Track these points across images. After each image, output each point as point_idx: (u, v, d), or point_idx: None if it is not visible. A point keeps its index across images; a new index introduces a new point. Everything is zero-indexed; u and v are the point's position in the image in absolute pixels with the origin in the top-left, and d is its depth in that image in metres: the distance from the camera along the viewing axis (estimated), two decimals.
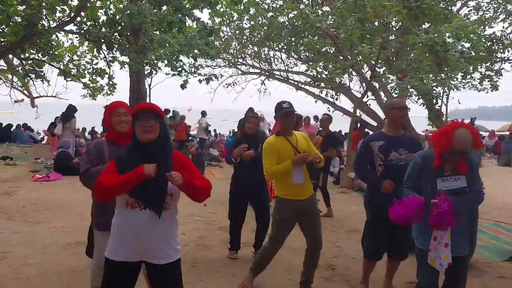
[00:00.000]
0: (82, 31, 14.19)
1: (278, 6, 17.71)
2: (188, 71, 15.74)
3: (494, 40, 17.74)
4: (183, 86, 15.94)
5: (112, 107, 3.46)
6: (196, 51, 14.84)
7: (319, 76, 18.14)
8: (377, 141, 4.12)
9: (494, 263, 5.51)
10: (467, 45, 12.34)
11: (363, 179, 4.51)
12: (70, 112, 13.68)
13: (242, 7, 18.21)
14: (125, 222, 2.72)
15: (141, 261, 2.76)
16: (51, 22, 14.04)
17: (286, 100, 4.22)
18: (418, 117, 18.30)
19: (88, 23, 14.23)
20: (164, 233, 2.74)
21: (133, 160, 2.67)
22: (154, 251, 2.71)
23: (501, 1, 18.25)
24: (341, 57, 12.96)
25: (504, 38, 18.75)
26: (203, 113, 18.36)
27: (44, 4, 12.25)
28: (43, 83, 16.84)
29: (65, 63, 17.13)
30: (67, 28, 14.45)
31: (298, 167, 4.01)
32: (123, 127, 3.37)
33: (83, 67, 17.25)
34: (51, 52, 15.52)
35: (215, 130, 23.23)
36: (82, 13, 14.09)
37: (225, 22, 19.79)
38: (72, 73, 16.97)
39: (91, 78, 17.16)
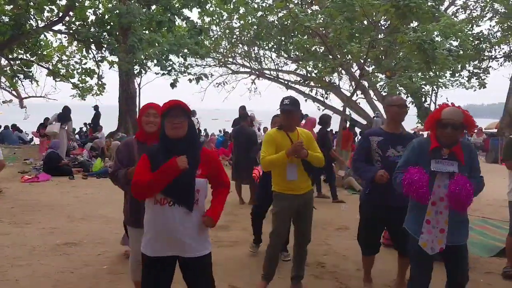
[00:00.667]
0: (71, 31, 14.14)
1: (267, 5, 17.75)
2: (178, 70, 15.73)
3: (482, 39, 17.95)
4: (173, 85, 15.93)
5: (144, 108, 3.58)
6: (185, 50, 14.83)
7: (308, 75, 18.22)
8: (376, 136, 4.13)
9: (481, 259, 5.57)
10: (455, 43, 12.48)
11: (358, 173, 4.46)
12: (67, 113, 13.64)
13: (231, 7, 18.23)
14: (156, 219, 2.78)
15: (176, 256, 2.82)
16: (39, 22, 13.98)
17: (291, 96, 4.20)
18: (407, 115, 18.40)
19: (77, 23, 14.18)
20: (195, 227, 2.81)
21: (163, 156, 2.74)
22: (186, 245, 2.77)
23: (488, 0, 18.45)
24: (331, 56, 13.02)
25: (491, 36, 18.98)
26: (193, 113, 18.32)
27: (32, 4, 12.17)
28: (31, 84, 16.76)
29: (54, 63, 17.04)
30: (56, 28, 14.39)
31: (292, 164, 4.01)
32: (151, 127, 3.48)
33: (72, 67, 17.17)
34: (39, 52, 15.44)
35: (205, 130, 23.21)
36: (71, 13, 14.04)
37: (215, 22, 19.79)
38: (61, 73, 16.88)
39: (80, 78, 17.09)
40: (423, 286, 3.36)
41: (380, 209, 4.05)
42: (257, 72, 21.44)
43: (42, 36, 14.52)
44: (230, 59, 21.56)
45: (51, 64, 16.84)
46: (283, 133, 4.12)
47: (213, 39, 20.06)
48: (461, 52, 12.53)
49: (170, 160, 2.68)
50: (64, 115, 13.56)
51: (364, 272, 4.46)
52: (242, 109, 10.99)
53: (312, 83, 19.09)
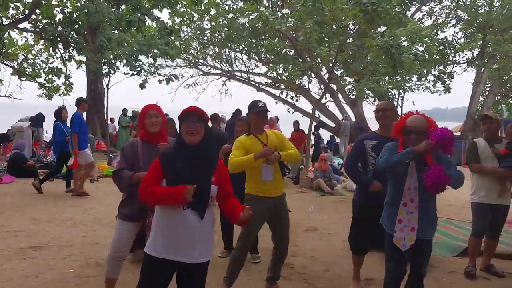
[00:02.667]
0: (37, 29, 13.78)
1: (238, 7, 17.78)
2: (148, 71, 15.55)
3: (446, 44, 18.48)
4: (142, 86, 15.73)
5: (144, 110, 3.69)
6: (155, 51, 14.69)
7: (279, 78, 18.35)
8: (370, 140, 4.24)
9: (445, 259, 5.74)
10: (421, 48, 12.80)
11: (352, 178, 4.51)
12: (40, 119, 13.43)
13: (202, 8, 18.18)
14: (168, 220, 2.77)
15: (177, 261, 2.79)
16: (3, 19, 13.55)
17: (260, 100, 4.26)
18: (374, 118, 18.76)
19: (44, 21, 13.82)
20: (205, 232, 2.81)
21: (177, 161, 2.75)
22: (194, 250, 2.77)
23: (452, 7, 19.00)
24: (300, 59, 13.15)
25: (455, 42, 19.56)
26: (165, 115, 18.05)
27: None
28: None
29: (19, 62, 16.53)
30: (21, 25, 14.00)
31: (267, 165, 4.01)
32: (154, 127, 3.61)
33: (38, 66, 16.69)
34: (3, 50, 14.95)
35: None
36: (37, 11, 13.67)
37: (186, 22, 19.69)
38: (27, 72, 16.41)
39: (47, 78, 16.64)
40: (399, 276, 3.57)
41: (371, 209, 4.11)
42: (228, 74, 21.46)
43: (7, 34, 14.07)
44: (201, 60, 21.50)
45: (16, 63, 16.34)
46: (253, 137, 4.13)
47: (183, 40, 19.96)
48: (427, 57, 12.87)
49: (179, 188, 2.66)
50: (37, 120, 13.31)
51: (354, 271, 4.56)
52: (238, 113, 11.03)
53: (282, 86, 19.25)
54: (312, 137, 14.74)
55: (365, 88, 12.94)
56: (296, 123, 12.30)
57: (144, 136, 3.66)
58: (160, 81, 16.86)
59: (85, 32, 13.90)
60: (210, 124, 5.93)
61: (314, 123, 14.50)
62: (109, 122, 17.41)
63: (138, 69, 14.97)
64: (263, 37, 16.28)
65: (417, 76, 15.17)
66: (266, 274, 4.42)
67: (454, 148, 3.49)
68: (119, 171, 3.54)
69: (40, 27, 13.57)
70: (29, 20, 13.63)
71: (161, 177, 2.76)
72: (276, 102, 19.89)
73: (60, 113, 9.56)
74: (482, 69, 18.88)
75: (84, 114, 9.99)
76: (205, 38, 19.86)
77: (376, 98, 15.44)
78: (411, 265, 3.61)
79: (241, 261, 4.22)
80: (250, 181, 4.19)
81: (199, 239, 2.77)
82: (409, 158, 3.38)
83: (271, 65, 17.26)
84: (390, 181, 3.68)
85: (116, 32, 13.96)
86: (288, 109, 19.61)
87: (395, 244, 3.50)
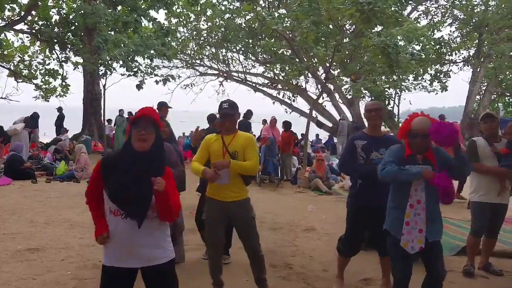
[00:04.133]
0: (34, 31, 13.76)
1: (235, 8, 17.77)
2: (144, 71, 15.53)
3: (442, 44, 18.50)
4: (139, 87, 15.70)
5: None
6: (152, 51, 14.67)
7: (276, 78, 18.36)
8: (360, 140, 4.22)
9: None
10: (417, 47, 12.83)
11: (349, 173, 4.51)
12: (35, 119, 13.36)
13: (199, 8, 18.17)
14: (112, 228, 2.72)
15: (136, 267, 2.76)
16: None
17: (231, 100, 4.19)
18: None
19: (40, 23, 13.80)
20: (151, 237, 2.74)
21: (119, 167, 2.66)
22: (143, 256, 2.72)
23: (448, 7, 19.04)
24: (297, 59, 13.15)
25: (451, 41, 19.60)
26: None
27: None
28: None
29: (15, 63, 16.50)
30: (17, 27, 13.97)
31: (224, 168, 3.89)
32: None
33: (34, 67, 16.67)
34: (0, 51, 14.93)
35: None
36: (34, 12, 13.65)
37: (182, 23, 19.67)
38: (23, 74, 16.37)
39: (43, 79, 16.62)
40: (407, 277, 3.58)
41: (366, 210, 4.13)
42: (225, 74, 21.44)
43: (3, 35, 14.04)
44: (198, 61, 21.47)
45: (12, 64, 16.32)
46: (218, 136, 4.05)
47: (180, 40, 19.92)
48: (423, 56, 12.91)
49: (98, 226, 2.72)
50: (32, 120, 13.26)
51: (338, 269, 4.54)
52: (249, 113, 11.05)
53: (279, 86, 19.25)
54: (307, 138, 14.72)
55: (362, 88, 12.95)
56: (285, 123, 12.23)
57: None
58: (157, 82, 16.82)
59: (82, 33, 13.89)
60: (208, 125, 5.88)
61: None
62: (106, 123, 17.37)
63: (135, 70, 14.96)
64: (260, 37, 16.28)
65: (414, 76, 15.20)
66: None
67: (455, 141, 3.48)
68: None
69: (36, 28, 13.56)
70: (25, 21, 13.63)
71: (102, 181, 2.69)
72: (273, 102, 19.90)
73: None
74: (478, 68, 18.93)
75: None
76: (202, 38, 19.83)
77: (373, 98, 15.43)
78: (428, 268, 3.58)
79: (215, 265, 4.15)
80: (209, 183, 4.08)
81: (146, 244, 2.71)
82: (416, 179, 3.41)
83: (268, 65, 17.28)
84: (395, 185, 3.67)
85: (112, 33, 13.95)
86: (285, 109, 19.62)
87: (401, 247, 3.49)
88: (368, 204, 4.11)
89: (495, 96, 20.21)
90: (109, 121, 17.69)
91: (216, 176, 3.82)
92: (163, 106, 9.38)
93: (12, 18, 13.89)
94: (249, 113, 11.19)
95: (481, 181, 4.94)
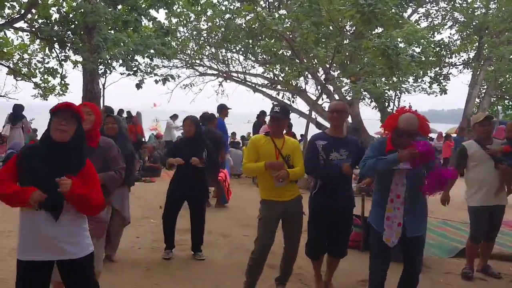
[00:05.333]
0: (33, 29, 13.72)
1: (235, 8, 17.75)
2: (144, 71, 15.49)
3: (442, 46, 18.51)
4: (138, 86, 15.66)
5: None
6: (152, 51, 14.63)
7: (275, 79, 18.33)
8: (321, 141, 4.22)
9: (441, 260, 5.74)
10: (418, 50, 12.82)
11: (316, 174, 4.40)
12: (18, 112, 13.15)
13: (199, 8, 18.14)
14: (25, 221, 2.70)
15: (51, 260, 2.73)
16: None
17: (283, 105, 4.30)
18: (370, 119, 18.80)
19: (40, 21, 13.76)
20: (66, 231, 2.71)
21: (35, 158, 2.63)
22: (59, 249, 2.69)
23: (448, 9, 19.04)
24: (297, 60, 13.14)
25: (451, 44, 19.60)
26: (175, 116, 17.80)
27: None
28: None
29: (14, 61, 16.46)
30: (17, 25, 13.92)
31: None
32: (84, 125, 3.40)
33: (34, 66, 16.63)
34: None
35: None
36: (33, 10, 13.61)
37: (182, 23, 19.64)
38: (22, 72, 16.33)
39: (42, 78, 16.57)
40: (383, 275, 3.63)
41: (327, 209, 4.16)
42: (224, 75, 21.40)
43: (2, 33, 13.98)
44: (198, 61, 21.44)
45: (11, 62, 16.26)
46: (268, 138, 4.13)
47: (180, 40, 19.90)
48: (423, 59, 12.90)
49: (26, 190, 2.56)
50: (15, 115, 13.09)
51: (315, 275, 4.55)
52: (262, 114, 11.06)
53: (279, 87, 19.22)
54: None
55: (361, 89, 12.94)
56: (308, 124, 12.42)
57: None
58: (156, 81, 16.77)
59: (81, 32, 13.83)
60: (202, 125, 5.88)
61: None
62: None
63: (135, 69, 14.90)
64: (260, 37, 16.25)
65: (414, 78, 15.19)
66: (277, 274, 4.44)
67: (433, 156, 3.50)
68: None
69: (36, 26, 13.52)
70: (25, 19, 13.58)
71: (16, 173, 2.65)
72: (273, 103, 19.85)
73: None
74: (478, 71, 18.92)
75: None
76: (202, 38, 19.81)
77: (372, 99, 15.42)
78: (405, 261, 3.64)
79: (257, 266, 4.17)
80: (262, 186, 4.20)
81: (62, 237, 2.69)
82: (394, 165, 3.40)
83: (267, 66, 17.25)
84: (377, 179, 3.69)
85: (112, 32, 13.89)
86: None
87: (382, 242, 3.52)
88: (328, 204, 4.14)
89: (494, 99, 20.21)
90: None
91: (282, 164, 3.95)
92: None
93: (12, 16, 13.83)
94: (262, 114, 11.19)
95: (477, 185, 4.90)
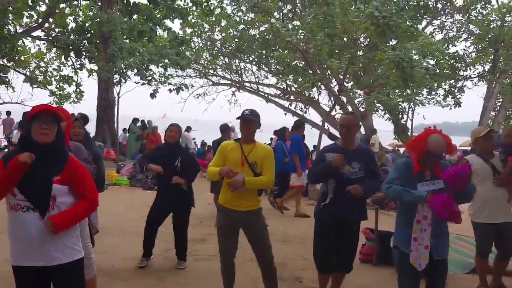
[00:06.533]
0: (50, 38, 13.95)
1: (249, 19, 17.88)
2: (158, 80, 15.64)
3: (457, 58, 18.40)
4: (152, 96, 15.80)
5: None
6: (166, 60, 14.79)
7: (288, 89, 18.37)
8: (331, 153, 4.11)
9: (456, 276, 5.65)
10: (432, 62, 12.76)
11: (312, 175, 4.35)
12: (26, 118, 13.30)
13: (213, 19, 18.30)
14: (13, 226, 2.71)
15: (44, 267, 2.72)
16: (17, 27, 13.75)
17: (253, 109, 4.11)
18: (384, 130, 18.70)
19: (57, 30, 14.01)
20: (54, 235, 2.70)
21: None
22: (47, 254, 2.69)
23: (463, 22, 18.94)
24: (311, 71, 13.15)
25: (466, 56, 19.47)
26: (188, 129, 17.80)
27: (10, 8, 11.99)
28: (7, 89, 16.40)
29: (31, 69, 16.75)
30: (35, 34, 14.19)
31: (240, 176, 3.83)
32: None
33: (50, 74, 16.91)
34: (16, 57, 15.15)
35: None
36: (51, 19, 13.87)
37: (197, 33, 19.82)
38: (38, 79, 16.60)
39: (58, 85, 16.82)
40: None
41: (335, 222, 4.06)
42: (237, 85, 21.51)
43: (20, 42, 14.26)
44: (211, 71, 21.59)
45: (28, 70, 16.57)
46: (237, 144, 4.02)
47: (194, 50, 20.07)
48: (438, 71, 12.83)
49: (14, 159, 2.61)
50: (25, 121, 13.24)
51: (319, 286, 4.46)
52: (300, 122, 11.10)
53: (292, 97, 19.26)
54: None
55: (375, 101, 12.90)
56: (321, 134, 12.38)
57: None
58: (170, 91, 16.92)
59: (97, 41, 14.05)
60: (220, 135, 5.88)
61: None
62: (121, 132, 17.42)
63: (149, 78, 15.05)
64: (273, 48, 16.34)
65: (428, 90, 15.11)
66: None
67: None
68: None
69: (53, 35, 13.77)
70: (42, 28, 13.82)
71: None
72: (285, 114, 19.89)
73: (284, 132, 9.58)
74: (494, 84, 18.76)
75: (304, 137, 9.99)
76: (216, 48, 19.97)
77: (386, 111, 15.35)
78: (428, 284, 3.54)
79: (228, 275, 4.11)
80: (222, 189, 4.08)
81: (50, 241, 2.69)
82: (419, 202, 3.35)
83: (280, 76, 17.30)
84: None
85: (127, 41, 14.08)
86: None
87: (409, 263, 3.44)
88: (338, 217, 4.04)
89: (510, 112, 19.98)
90: (125, 130, 17.76)
91: (233, 173, 3.78)
92: (301, 126, 9.38)
93: (30, 25, 14.12)
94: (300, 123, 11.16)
95: (484, 201, 4.76)
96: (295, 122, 9.70)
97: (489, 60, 19.68)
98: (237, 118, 4.05)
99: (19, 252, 2.71)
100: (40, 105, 2.79)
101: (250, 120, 3.97)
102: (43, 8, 13.39)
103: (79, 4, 15.24)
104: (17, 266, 2.72)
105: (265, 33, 15.57)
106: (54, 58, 17.17)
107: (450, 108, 17.17)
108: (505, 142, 4.93)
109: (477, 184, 4.77)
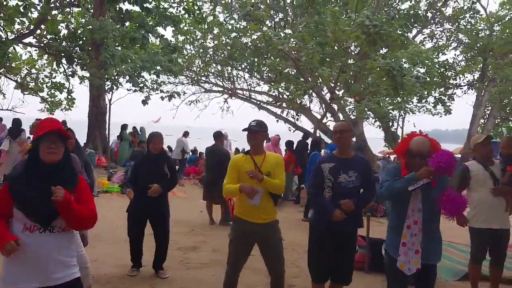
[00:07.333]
0: (42, 44, 13.92)
1: (241, 27, 17.96)
2: (150, 87, 15.63)
3: (447, 67, 18.62)
4: (144, 102, 15.77)
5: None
6: (158, 67, 14.80)
7: (280, 97, 18.45)
8: (327, 163, 4.13)
9: (447, 283, 5.69)
10: (422, 70, 12.89)
11: (315, 202, 4.35)
12: (18, 126, 13.24)
13: (206, 27, 18.36)
14: (29, 245, 2.64)
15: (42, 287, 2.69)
16: (9, 33, 13.71)
17: (259, 120, 4.13)
18: (374, 138, 18.81)
19: (48, 36, 13.99)
20: (62, 253, 2.72)
21: (30, 181, 2.66)
22: (52, 272, 2.67)
23: (453, 30, 19.18)
24: (302, 79, 13.23)
25: (456, 65, 19.70)
26: (185, 134, 17.68)
27: (1, 15, 11.96)
28: None
29: (22, 76, 16.68)
30: (26, 40, 14.15)
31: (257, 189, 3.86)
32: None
33: (41, 80, 16.85)
34: (7, 64, 15.09)
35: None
36: (42, 26, 13.84)
37: (189, 40, 19.87)
38: (29, 86, 16.53)
39: (49, 92, 16.76)
40: None
41: (330, 232, 4.07)
42: (229, 92, 21.54)
43: (11, 48, 14.21)
44: (203, 78, 21.60)
45: (19, 77, 16.50)
46: (248, 157, 4.04)
47: (186, 57, 20.09)
48: (428, 79, 12.96)
49: (7, 238, 2.57)
50: (16, 129, 13.16)
51: None
52: (320, 139, 11.16)
53: (284, 105, 19.33)
54: None
55: (366, 109, 12.99)
56: (288, 143, 12.26)
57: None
58: (162, 98, 16.90)
59: (89, 48, 14.03)
60: (213, 142, 5.88)
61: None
62: (115, 139, 17.34)
63: (141, 85, 15.04)
64: (266, 56, 16.41)
65: (418, 98, 15.25)
66: None
67: (454, 171, 3.52)
68: None
69: (45, 42, 13.74)
70: (34, 35, 13.79)
71: (10, 201, 2.65)
72: (277, 121, 19.95)
73: (319, 144, 9.60)
74: (483, 92, 18.97)
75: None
76: (208, 56, 20.00)
77: (376, 119, 15.46)
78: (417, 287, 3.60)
79: (230, 285, 4.09)
80: (237, 202, 4.11)
81: (57, 260, 2.69)
82: (411, 184, 3.39)
83: (273, 84, 17.37)
84: (393, 204, 3.67)
85: (119, 48, 14.07)
86: (289, 127, 19.66)
87: (397, 268, 3.48)
88: (333, 229, 4.05)
89: (499, 120, 20.21)
90: (119, 137, 17.66)
91: (256, 190, 3.81)
92: (320, 142, 9.43)
93: (22, 31, 14.08)
94: (318, 141, 11.30)
95: (481, 207, 4.83)
96: (315, 141, 9.81)
97: (478, 69, 19.90)
98: (243, 130, 4.09)
99: (21, 274, 2.65)
100: (47, 123, 2.77)
101: (256, 132, 4.01)
102: (35, 14, 13.40)
103: (71, 11, 15.24)
104: None
105: (257, 41, 15.64)
106: (46, 64, 17.12)
107: (440, 116, 17.32)
108: (503, 153, 5.00)
109: (476, 190, 4.86)
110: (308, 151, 10.71)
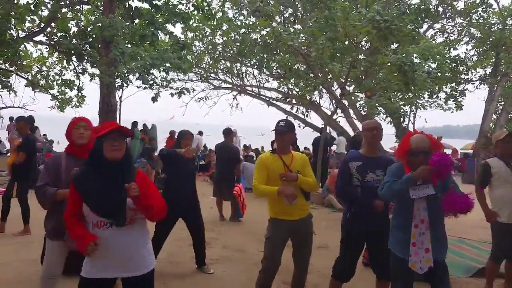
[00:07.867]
0: (52, 42, 13.98)
1: (250, 23, 17.90)
2: (160, 84, 15.64)
3: (458, 62, 18.43)
4: (154, 100, 15.80)
5: (74, 121, 3.61)
6: (168, 64, 14.79)
7: (290, 93, 18.39)
8: (354, 162, 4.09)
9: (459, 279, 5.63)
10: (433, 65, 12.75)
11: (349, 198, 4.25)
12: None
13: (215, 23, 18.33)
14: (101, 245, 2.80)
15: (115, 277, 2.87)
16: (20, 32, 13.79)
17: (287, 119, 4.19)
18: (386, 134, 18.63)
19: (59, 34, 14.03)
20: (135, 246, 2.86)
21: (95, 179, 2.80)
22: (128, 265, 2.82)
23: (465, 25, 18.97)
24: (312, 75, 13.16)
25: (467, 60, 19.50)
26: (200, 133, 17.78)
27: (12, 13, 12.02)
28: (9, 94, 16.45)
29: (33, 73, 16.79)
30: (37, 38, 14.21)
31: (289, 188, 3.87)
32: (81, 139, 3.52)
33: (51, 78, 16.95)
34: (18, 62, 15.19)
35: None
36: (53, 24, 13.89)
37: (198, 37, 19.87)
38: (40, 84, 16.63)
39: (59, 90, 16.85)
40: None
41: (361, 233, 4.05)
42: (239, 88, 21.53)
43: (22, 46, 14.29)
44: (212, 75, 21.62)
45: (30, 74, 16.62)
46: (276, 156, 4.05)
47: (196, 54, 20.10)
48: (439, 74, 12.83)
49: (84, 237, 2.75)
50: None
51: None
52: (360, 137, 11.15)
53: (293, 101, 19.27)
54: None
55: (376, 104, 12.90)
56: (323, 138, 12.39)
57: (69, 149, 3.58)
58: (172, 95, 16.93)
59: (99, 46, 14.05)
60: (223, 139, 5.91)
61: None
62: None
63: (151, 82, 15.05)
64: (275, 52, 16.35)
65: (429, 93, 15.12)
66: None
67: (452, 172, 3.49)
68: (42, 187, 3.42)
69: (55, 40, 13.78)
70: (45, 33, 13.85)
71: (80, 201, 2.80)
72: (287, 117, 19.90)
73: (360, 140, 9.58)
74: (495, 87, 18.76)
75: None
76: (217, 52, 20.00)
77: (387, 114, 15.35)
78: (435, 285, 3.55)
79: (267, 281, 4.09)
80: (271, 203, 4.10)
81: (131, 253, 2.83)
82: (410, 184, 3.36)
83: (282, 80, 17.31)
84: (398, 204, 3.64)
85: (129, 46, 14.08)
86: (299, 124, 19.61)
87: (402, 266, 3.47)
88: (364, 229, 4.02)
89: (511, 115, 20.01)
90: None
91: (295, 194, 3.83)
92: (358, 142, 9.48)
93: (32, 29, 14.15)
94: (359, 138, 11.21)
95: (505, 201, 4.75)
96: (356, 137, 9.71)
97: (491, 63, 19.70)
98: (272, 131, 4.12)
99: (97, 264, 2.81)
100: (109, 123, 3.02)
101: (284, 133, 4.05)
102: (45, 13, 13.41)
103: (81, 9, 15.28)
104: (91, 278, 2.82)
105: (267, 37, 15.57)
106: (56, 62, 17.22)
107: (452, 111, 17.18)
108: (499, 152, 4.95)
109: (498, 187, 4.81)
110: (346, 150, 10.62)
